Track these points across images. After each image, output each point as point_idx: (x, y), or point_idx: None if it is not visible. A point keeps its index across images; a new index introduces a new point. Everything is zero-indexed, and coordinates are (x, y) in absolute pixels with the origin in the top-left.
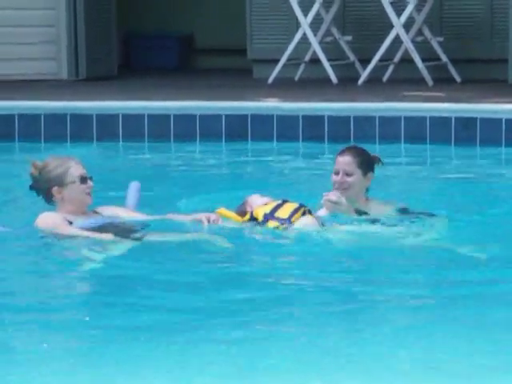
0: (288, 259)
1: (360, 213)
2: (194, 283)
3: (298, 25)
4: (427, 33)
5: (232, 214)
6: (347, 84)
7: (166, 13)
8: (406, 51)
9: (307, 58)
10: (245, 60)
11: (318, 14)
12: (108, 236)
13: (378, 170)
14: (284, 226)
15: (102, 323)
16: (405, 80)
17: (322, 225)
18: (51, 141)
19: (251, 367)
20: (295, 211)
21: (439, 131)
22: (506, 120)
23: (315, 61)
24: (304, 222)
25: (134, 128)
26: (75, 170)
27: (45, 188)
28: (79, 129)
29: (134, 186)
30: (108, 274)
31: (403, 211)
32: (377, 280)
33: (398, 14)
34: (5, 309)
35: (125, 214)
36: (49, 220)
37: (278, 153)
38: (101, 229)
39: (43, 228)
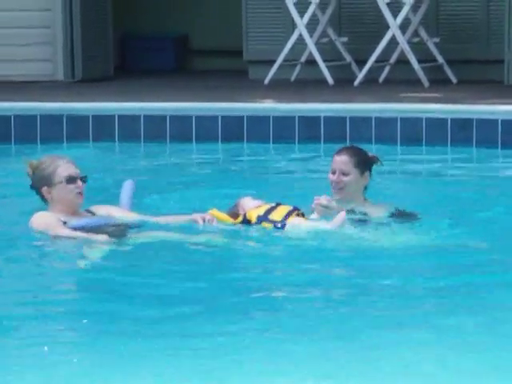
0: (279, 259)
1: (354, 213)
2: (188, 282)
3: (294, 26)
4: (423, 34)
5: (224, 216)
6: (343, 85)
7: (162, 14)
8: (402, 52)
9: (303, 59)
10: (241, 61)
11: (314, 15)
12: (102, 237)
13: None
14: (278, 227)
15: (99, 324)
16: (401, 81)
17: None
18: (47, 142)
19: (244, 369)
20: (289, 214)
21: (435, 132)
22: (502, 121)
23: (311, 62)
24: (296, 223)
25: (130, 129)
26: (63, 169)
27: (36, 188)
28: (75, 130)
29: (127, 185)
30: (101, 274)
31: (397, 213)
32: (371, 283)
33: (394, 14)
34: (2, 309)
35: (119, 213)
36: (42, 220)
37: (274, 154)
38: (95, 229)
39: (37, 228)
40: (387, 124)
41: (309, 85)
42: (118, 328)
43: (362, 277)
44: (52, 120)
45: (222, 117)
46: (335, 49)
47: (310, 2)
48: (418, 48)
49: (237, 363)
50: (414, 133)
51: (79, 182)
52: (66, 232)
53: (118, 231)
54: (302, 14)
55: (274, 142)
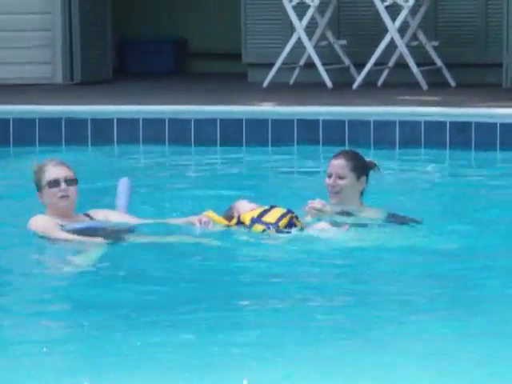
0: (277, 262)
1: (348, 214)
2: (184, 284)
3: (292, 29)
4: (422, 37)
5: (219, 218)
6: (342, 88)
7: (160, 17)
8: (401, 55)
9: (302, 62)
10: (240, 64)
11: (312, 19)
12: (98, 240)
13: (372, 174)
14: (271, 230)
15: (96, 325)
16: (399, 84)
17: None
18: (46, 145)
19: (245, 369)
20: (282, 216)
21: (434, 135)
22: (501, 124)
23: (310, 65)
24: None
25: (128, 132)
26: (49, 173)
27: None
28: (74, 133)
29: (123, 183)
30: (98, 276)
31: (391, 217)
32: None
33: (393, 18)
34: (2, 310)
35: (116, 217)
36: (39, 223)
37: (273, 157)
38: (91, 232)
39: (35, 230)
40: (386, 127)
41: (308, 88)
42: (116, 329)
43: (358, 279)
44: (51, 123)
45: (221, 120)
46: (334, 52)
47: (309, 6)
48: (417, 51)
49: (237, 363)
50: (412, 136)
51: (62, 185)
52: (62, 235)
53: (115, 235)
54: (300, 17)
55: (272, 145)
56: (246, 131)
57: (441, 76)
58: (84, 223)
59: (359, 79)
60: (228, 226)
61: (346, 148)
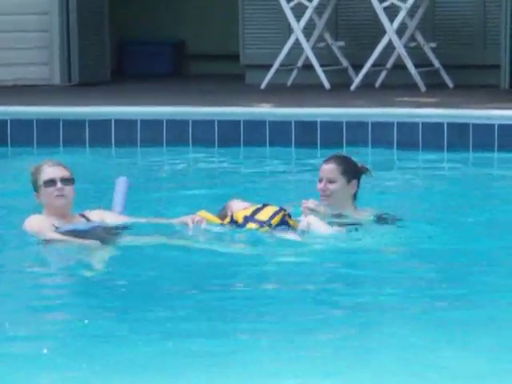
0: (274, 261)
1: (341, 217)
2: (181, 285)
3: (290, 30)
4: (420, 38)
5: (212, 217)
6: (340, 89)
7: (158, 19)
8: (399, 57)
9: (300, 63)
10: (237, 65)
11: (310, 20)
12: (93, 242)
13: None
14: (264, 228)
15: (96, 326)
16: (397, 86)
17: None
18: (44, 146)
19: (244, 369)
20: (275, 214)
21: (432, 137)
22: (499, 126)
23: (308, 66)
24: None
25: (126, 133)
26: (45, 174)
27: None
28: (72, 134)
29: (121, 182)
30: (95, 278)
31: (381, 219)
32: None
33: (391, 19)
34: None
35: (112, 218)
36: (34, 223)
37: (271, 158)
38: (84, 233)
39: (30, 230)
40: (384, 128)
41: (305, 89)
42: (114, 330)
43: (351, 281)
44: (48, 124)
45: (219, 121)
46: (332, 53)
47: (307, 7)
48: (415, 53)
49: (236, 363)
50: (410, 137)
51: (58, 185)
52: (56, 236)
53: (109, 236)
54: (298, 18)
55: (270, 147)
56: (243, 133)
57: (439, 77)
58: (78, 224)
59: (357, 80)
60: (221, 224)
61: (337, 152)
